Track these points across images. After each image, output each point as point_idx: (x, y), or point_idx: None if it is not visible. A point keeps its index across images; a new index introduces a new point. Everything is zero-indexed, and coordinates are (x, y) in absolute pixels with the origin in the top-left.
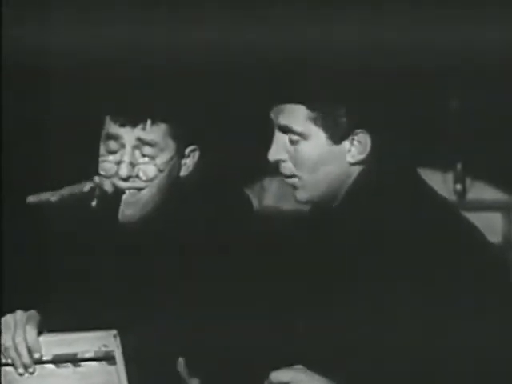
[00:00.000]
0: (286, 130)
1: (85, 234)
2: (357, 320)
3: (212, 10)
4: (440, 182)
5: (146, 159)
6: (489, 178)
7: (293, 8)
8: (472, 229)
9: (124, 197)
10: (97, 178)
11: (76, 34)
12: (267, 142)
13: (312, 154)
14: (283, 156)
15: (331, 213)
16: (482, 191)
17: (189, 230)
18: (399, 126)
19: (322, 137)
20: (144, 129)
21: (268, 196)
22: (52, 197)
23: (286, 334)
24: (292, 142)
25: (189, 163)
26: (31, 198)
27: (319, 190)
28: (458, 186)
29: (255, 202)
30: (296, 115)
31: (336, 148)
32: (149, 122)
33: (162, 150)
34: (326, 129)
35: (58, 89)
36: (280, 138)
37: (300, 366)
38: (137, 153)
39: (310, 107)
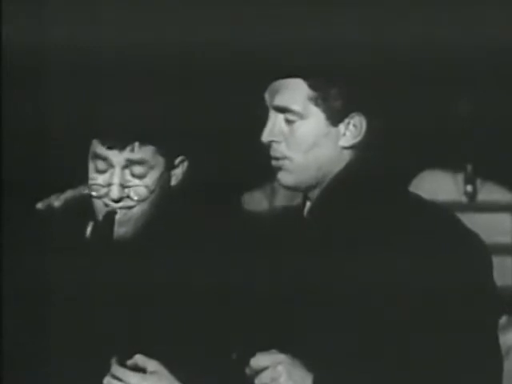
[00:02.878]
0: (283, 109)
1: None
2: (336, 309)
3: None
4: (450, 183)
5: (137, 181)
6: (499, 179)
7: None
8: (462, 230)
9: (116, 217)
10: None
11: (76, 33)
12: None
13: (309, 134)
14: (277, 137)
15: (314, 202)
16: (492, 192)
17: (182, 237)
18: (401, 117)
19: (320, 117)
20: (132, 150)
21: (279, 197)
22: (56, 202)
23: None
24: (288, 122)
25: (178, 173)
26: (40, 205)
27: (307, 174)
28: (469, 187)
29: (265, 203)
30: (295, 94)
31: (332, 130)
32: (136, 144)
33: (151, 168)
34: (325, 109)
35: (58, 88)
36: (275, 118)
37: (275, 351)
38: (126, 172)
39: (310, 85)
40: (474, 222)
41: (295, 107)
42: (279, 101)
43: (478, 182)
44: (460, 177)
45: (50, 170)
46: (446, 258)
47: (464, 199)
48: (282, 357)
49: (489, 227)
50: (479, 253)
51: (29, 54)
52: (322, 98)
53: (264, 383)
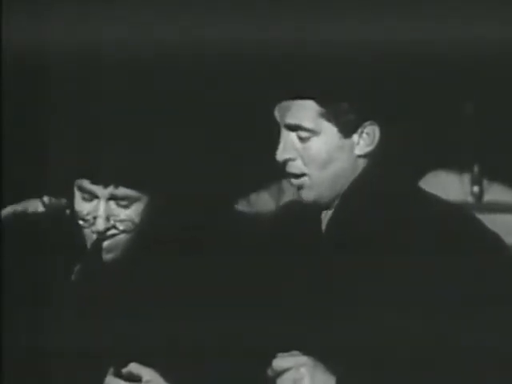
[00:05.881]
0: (295, 128)
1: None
2: (357, 315)
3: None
4: (457, 184)
5: (122, 212)
6: (507, 180)
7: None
8: (482, 230)
9: (104, 244)
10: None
11: (76, 34)
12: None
13: (323, 150)
14: (292, 154)
15: (331, 209)
16: (499, 193)
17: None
18: (410, 121)
19: (333, 131)
20: (116, 187)
21: (286, 198)
22: (39, 207)
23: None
24: (301, 139)
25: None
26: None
27: (326, 187)
28: (475, 188)
29: (272, 204)
30: (306, 112)
31: (346, 142)
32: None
33: (136, 200)
34: (337, 123)
35: (58, 89)
36: (287, 136)
37: (297, 352)
38: (111, 203)
39: (320, 103)
40: None
41: (307, 124)
42: (291, 119)
43: (485, 182)
44: (466, 177)
45: (50, 171)
46: (468, 258)
47: (470, 200)
48: (304, 359)
49: (496, 228)
50: (501, 252)
51: (29, 54)
52: (332, 114)
53: None
